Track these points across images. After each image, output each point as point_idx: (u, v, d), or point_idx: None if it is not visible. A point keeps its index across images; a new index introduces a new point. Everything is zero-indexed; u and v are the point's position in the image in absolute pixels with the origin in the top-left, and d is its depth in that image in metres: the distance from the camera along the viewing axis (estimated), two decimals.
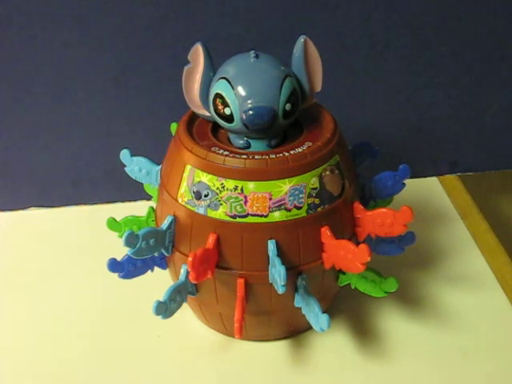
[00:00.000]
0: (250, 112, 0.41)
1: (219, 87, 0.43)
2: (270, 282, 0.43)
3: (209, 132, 0.46)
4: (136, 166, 0.49)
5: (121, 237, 0.49)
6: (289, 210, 0.42)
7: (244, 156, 0.42)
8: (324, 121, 0.47)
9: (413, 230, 0.48)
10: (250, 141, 0.44)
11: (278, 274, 0.40)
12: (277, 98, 0.42)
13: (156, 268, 0.47)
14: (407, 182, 0.48)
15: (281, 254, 0.42)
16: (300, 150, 0.43)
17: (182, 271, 0.45)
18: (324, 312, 0.42)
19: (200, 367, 0.49)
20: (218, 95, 0.43)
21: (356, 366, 0.48)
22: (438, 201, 0.68)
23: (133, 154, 0.48)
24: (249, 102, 0.41)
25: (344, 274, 0.47)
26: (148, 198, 0.52)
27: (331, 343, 0.50)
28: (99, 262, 0.45)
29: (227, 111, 0.42)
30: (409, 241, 0.49)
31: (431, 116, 0.68)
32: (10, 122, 0.63)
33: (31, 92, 0.61)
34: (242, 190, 0.41)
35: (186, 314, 0.52)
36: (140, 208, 0.52)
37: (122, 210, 0.52)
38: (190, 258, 0.40)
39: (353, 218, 0.46)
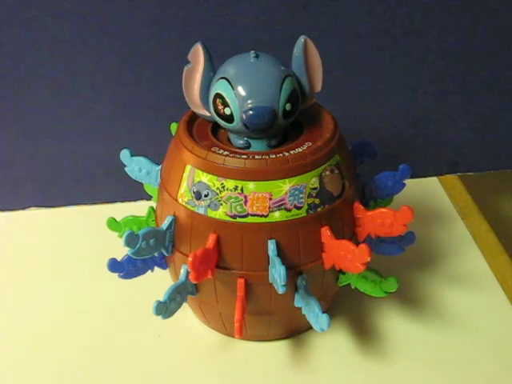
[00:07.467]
0: (250, 112, 0.41)
1: (219, 87, 0.43)
2: (270, 281, 0.43)
3: (209, 132, 0.46)
4: (136, 166, 0.49)
5: (121, 237, 0.49)
6: (289, 210, 0.42)
7: (244, 156, 0.42)
8: (324, 121, 0.47)
9: (413, 230, 0.48)
10: (250, 141, 0.44)
11: (278, 274, 0.40)
12: (277, 98, 0.42)
13: (156, 268, 0.48)
14: (407, 182, 0.48)
15: (281, 254, 0.42)
16: (300, 149, 0.43)
17: (182, 271, 0.45)
18: (324, 312, 0.42)
19: (200, 367, 0.49)
20: (218, 95, 0.43)
21: (356, 366, 0.48)
22: (438, 201, 0.68)
23: (133, 154, 0.48)
24: (249, 102, 0.41)
25: (344, 273, 0.47)
26: (148, 197, 0.52)
27: (331, 343, 0.50)
28: (99, 261, 0.45)
29: (227, 111, 0.42)
30: (409, 241, 0.49)
31: (431, 116, 0.68)
32: (10, 121, 0.63)
33: (31, 92, 0.61)
34: (242, 190, 0.41)
35: (186, 313, 0.52)
36: (140, 208, 0.52)
37: (122, 210, 0.52)
38: (190, 258, 0.40)
39: (353, 218, 0.46)
